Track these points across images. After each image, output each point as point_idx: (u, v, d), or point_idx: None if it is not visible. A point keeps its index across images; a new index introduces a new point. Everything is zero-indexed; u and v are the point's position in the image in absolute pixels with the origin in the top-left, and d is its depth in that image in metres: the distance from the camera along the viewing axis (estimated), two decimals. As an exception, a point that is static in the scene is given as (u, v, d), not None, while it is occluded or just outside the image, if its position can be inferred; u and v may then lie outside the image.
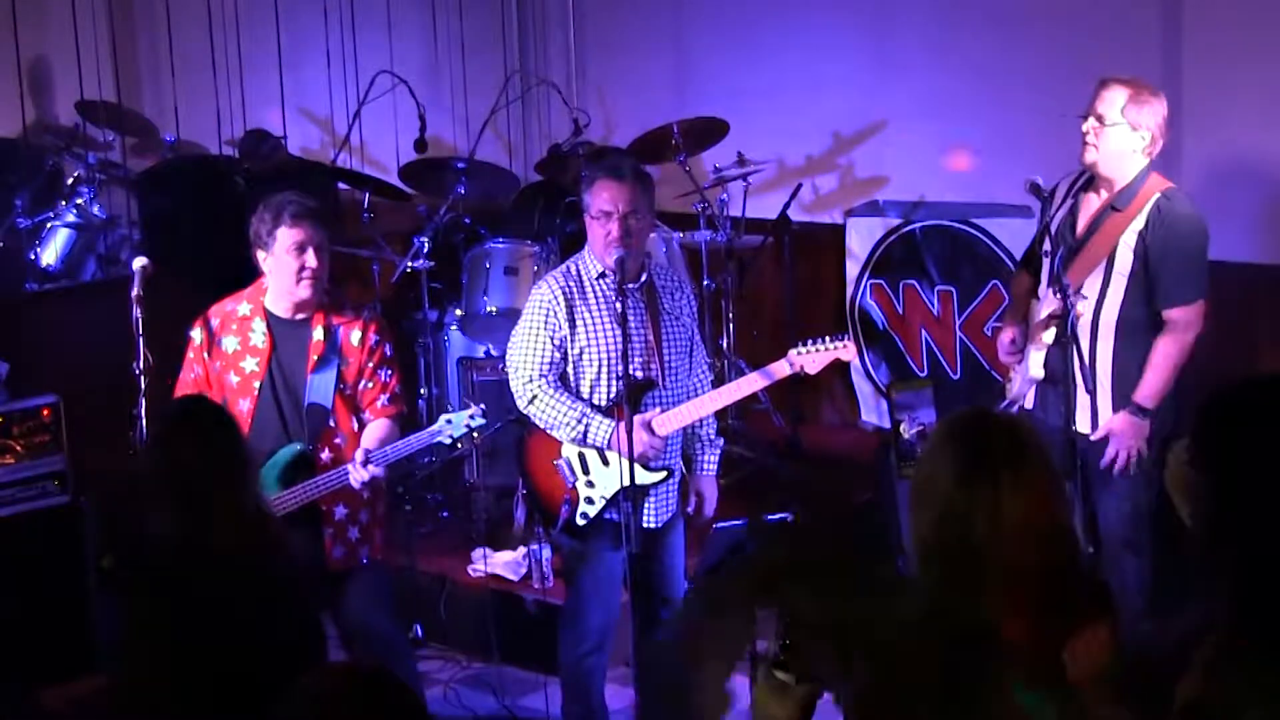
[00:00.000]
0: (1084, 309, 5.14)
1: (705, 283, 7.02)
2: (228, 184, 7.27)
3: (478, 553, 6.25)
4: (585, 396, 4.99)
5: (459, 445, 5.32)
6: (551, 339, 4.96)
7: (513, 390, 5.06)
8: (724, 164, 7.23)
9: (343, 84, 8.17)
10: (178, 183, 7.56)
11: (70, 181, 7.83)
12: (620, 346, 4.83)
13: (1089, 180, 5.28)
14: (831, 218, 7.73)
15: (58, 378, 6.10)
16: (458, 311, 6.99)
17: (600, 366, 4.97)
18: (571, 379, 5.01)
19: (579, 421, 4.93)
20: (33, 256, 7.56)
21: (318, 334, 5.00)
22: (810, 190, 7.69)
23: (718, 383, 5.39)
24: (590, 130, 7.80)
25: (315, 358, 4.99)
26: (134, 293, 4.87)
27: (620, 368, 4.83)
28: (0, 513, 5.82)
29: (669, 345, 5.05)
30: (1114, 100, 5.07)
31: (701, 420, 5.12)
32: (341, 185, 7.63)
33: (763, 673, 2.57)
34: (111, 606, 6.11)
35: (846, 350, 5.04)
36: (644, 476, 4.92)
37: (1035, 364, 5.26)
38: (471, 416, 5.05)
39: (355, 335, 5.03)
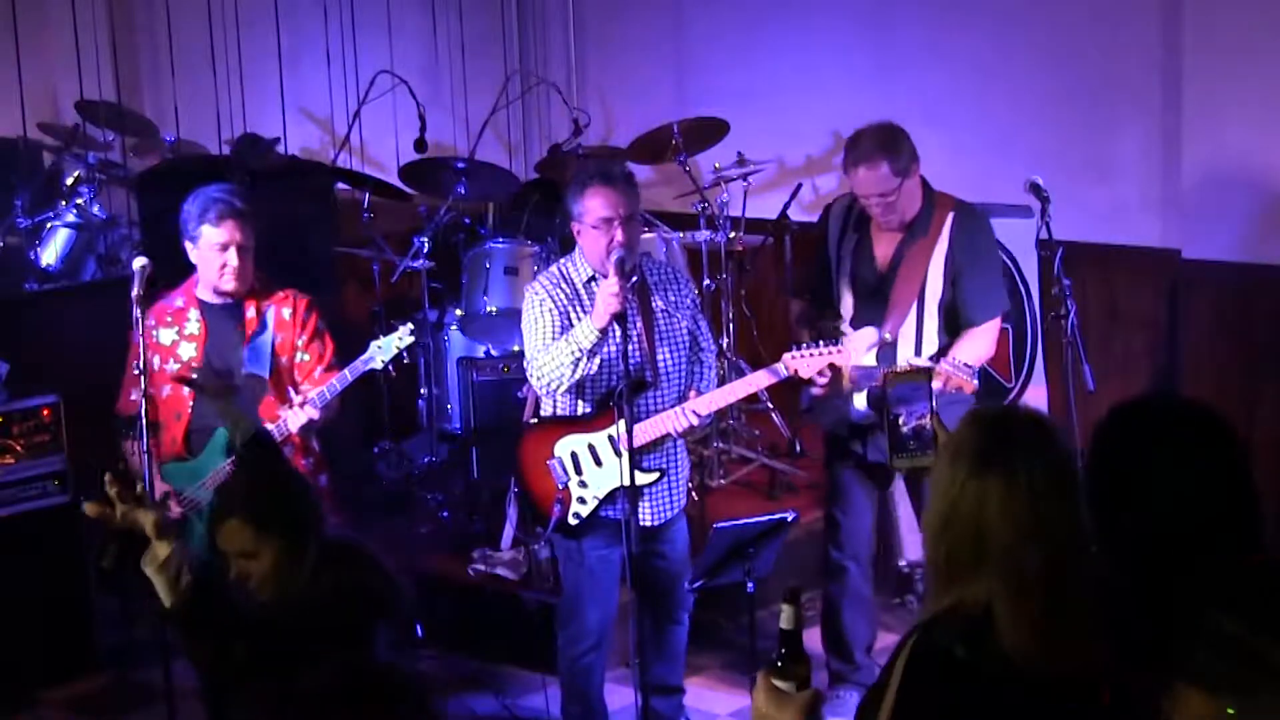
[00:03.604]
0: (903, 347, 5.19)
1: (705, 283, 7.01)
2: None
3: (478, 553, 6.26)
4: (583, 397, 5.00)
5: (391, 370, 5.33)
6: (563, 317, 4.95)
7: (533, 382, 5.06)
8: (724, 164, 7.23)
9: (343, 84, 8.16)
10: (178, 183, 7.52)
11: (70, 181, 7.82)
12: (615, 346, 4.83)
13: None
14: (831, 218, 7.72)
15: (58, 378, 6.10)
16: (458, 311, 6.98)
17: (598, 369, 4.96)
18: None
19: (568, 343, 4.87)
20: (33, 256, 7.55)
21: (250, 312, 5.15)
22: (810, 190, 7.68)
23: (717, 383, 5.37)
24: (590, 130, 7.80)
25: (250, 333, 5.13)
26: (134, 293, 4.90)
27: (619, 367, 4.83)
28: (0, 513, 5.83)
29: (663, 343, 5.05)
30: (882, 175, 5.11)
31: (703, 361, 5.17)
32: (341, 185, 7.61)
33: (762, 681, 2.55)
34: (113, 607, 6.13)
35: (841, 355, 5.04)
36: (637, 477, 4.90)
37: (859, 402, 5.26)
38: (400, 337, 5.07)
39: (286, 311, 5.18)
